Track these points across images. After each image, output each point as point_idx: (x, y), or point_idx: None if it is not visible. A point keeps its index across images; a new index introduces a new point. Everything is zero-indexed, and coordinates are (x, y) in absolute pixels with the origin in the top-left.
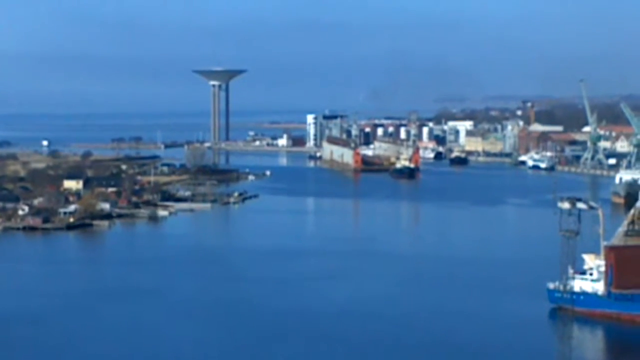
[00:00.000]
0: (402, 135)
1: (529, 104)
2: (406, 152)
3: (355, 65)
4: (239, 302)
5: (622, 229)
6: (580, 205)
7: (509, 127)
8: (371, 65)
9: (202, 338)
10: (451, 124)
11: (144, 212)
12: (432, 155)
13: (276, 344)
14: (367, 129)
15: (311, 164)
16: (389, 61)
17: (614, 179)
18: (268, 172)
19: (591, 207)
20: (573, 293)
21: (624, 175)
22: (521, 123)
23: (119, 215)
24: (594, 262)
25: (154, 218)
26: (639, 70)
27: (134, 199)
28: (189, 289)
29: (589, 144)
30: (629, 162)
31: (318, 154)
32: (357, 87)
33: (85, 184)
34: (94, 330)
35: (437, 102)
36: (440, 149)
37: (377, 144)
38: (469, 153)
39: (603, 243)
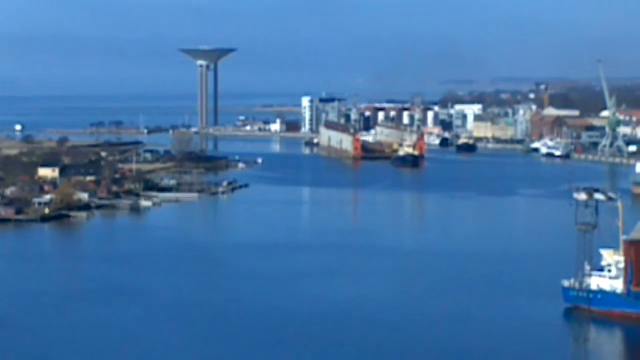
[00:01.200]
0: (405, 120)
1: (542, 87)
2: (410, 139)
3: (356, 46)
4: (227, 302)
5: None
6: (598, 196)
7: (521, 112)
8: (373, 46)
9: (188, 343)
10: (458, 108)
11: (125, 202)
12: (437, 141)
13: (267, 349)
14: (368, 114)
15: (307, 151)
16: (393, 42)
17: (634, 168)
18: (260, 160)
19: (610, 199)
20: (590, 292)
21: None
22: (534, 107)
23: (99, 207)
24: (612, 258)
25: (136, 209)
26: None
27: (115, 188)
28: (174, 288)
29: (607, 129)
30: None
31: (315, 141)
32: (357, 69)
33: (61, 173)
34: (70, 336)
35: (443, 85)
36: (447, 135)
37: (378, 129)
38: (478, 140)
39: (622, 237)
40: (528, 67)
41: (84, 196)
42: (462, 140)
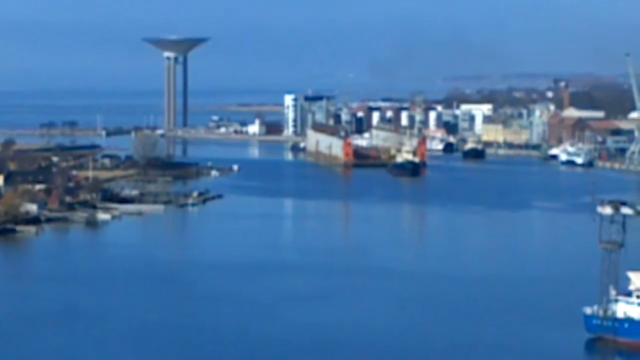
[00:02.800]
0: (404, 121)
1: (562, 84)
2: (409, 143)
3: (346, 35)
4: (197, 329)
5: None
6: (625, 210)
7: (537, 113)
8: (366, 35)
9: None
10: (464, 107)
11: (80, 215)
12: (440, 146)
13: None
14: (360, 114)
15: (291, 156)
16: (389, 29)
17: None
18: (235, 167)
19: (638, 213)
20: (615, 320)
21: None
22: (552, 107)
23: (49, 220)
24: None
25: (92, 223)
26: None
27: (68, 199)
28: (135, 312)
29: (636, 133)
30: None
31: (301, 145)
32: (348, 62)
33: (6, 180)
34: None
35: (447, 81)
36: (451, 139)
37: (373, 132)
38: (487, 144)
39: None
40: (546, 61)
41: (32, 208)
42: (469, 145)
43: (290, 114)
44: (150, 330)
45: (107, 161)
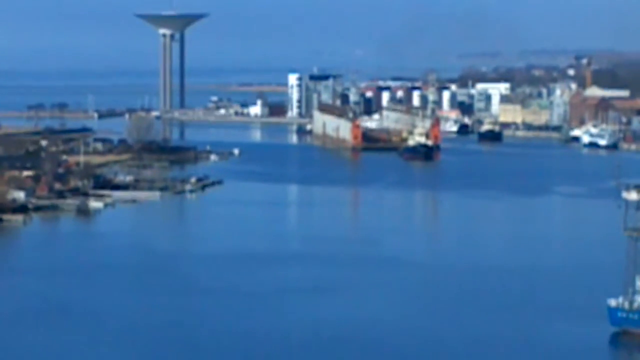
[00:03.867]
0: (416, 101)
1: (584, 61)
2: (422, 125)
3: (354, 9)
4: (196, 325)
5: None
6: None
7: (558, 92)
8: (375, 9)
9: None
10: (480, 86)
11: (70, 203)
12: (454, 128)
13: None
14: (369, 94)
15: (294, 139)
16: (400, 3)
17: None
18: (236, 151)
19: None
20: None
21: None
22: (574, 86)
23: (38, 208)
24: None
25: (84, 211)
26: None
27: (58, 186)
28: (130, 308)
29: None
30: None
31: (308, 127)
32: (355, 38)
33: None
34: None
35: (462, 58)
36: (466, 120)
37: (384, 113)
38: (505, 126)
39: None
40: (566, 37)
41: (20, 195)
42: (485, 127)
43: (294, 94)
44: (145, 328)
45: (99, 145)
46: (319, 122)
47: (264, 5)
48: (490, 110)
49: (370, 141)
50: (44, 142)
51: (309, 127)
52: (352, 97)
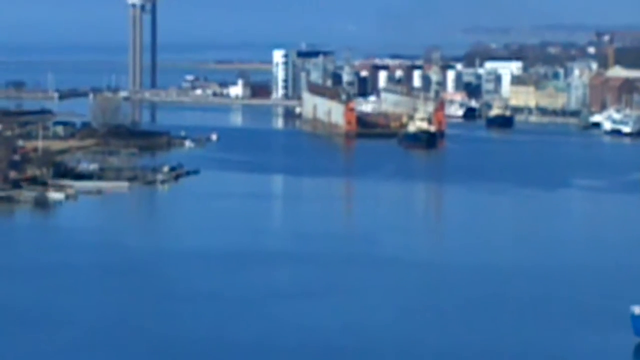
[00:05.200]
0: (416, 82)
1: (605, 38)
2: (424, 109)
3: None
4: (171, 332)
5: None
6: None
7: (576, 72)
8: None
9: None
10: (489, 65)
11: (27, 194)
12: (460, 112)
13: None
14: (364, 73)
15: (280, 124)
16: None
17: None
18: (214, 136)
19: None
20: None
21: None
22: (594, 66)
23: None
24: None
25: (42, 204)
26: None
27: (13, 174)
28: (96, 313)
29: None
30: None
31: (298, 111)
32: (348, 10)
33: None
34: None
35: (468, 33)
36: (473, 103)
37: (383, 95)
38: (516, 110)
39: None
40: (586, 11)
41: None
42: (494, 111)
43: (279, 73)
44: (113, 337)
45: (60, 129)
46: (310, 105)
47: None
48: (500, 93)
49: (365, 127)
50: None
51: (298, 110)
52: (346, 76)
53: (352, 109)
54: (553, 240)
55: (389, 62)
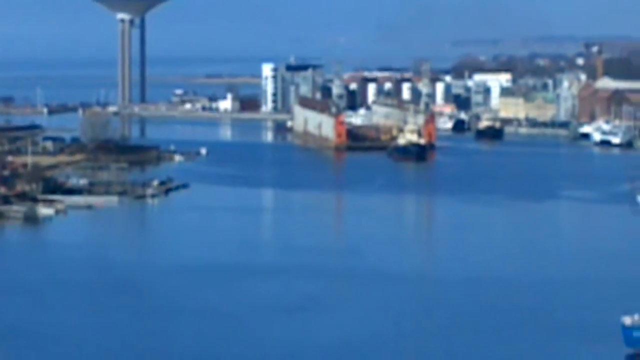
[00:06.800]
0: (406, 94)
1: (594, 49)
2: (414, 121)
3: None
4: (161, 350)
5: None
6: None
7: (565, 84)
8: None
9: None
10: (478, 78)
11: (17, 210)
12: (449, 125)
13: None
14: (353, 86)
15: (270, 138)
16: None
17: None
18: (204, 151)
19: None
20: None
21: None
22: (583, 77)
23: None
24: None
25: (32, 219)
26: None
27: (2, 190)
28: (85, 330)
29: None
30: None
31: (289, 124)
32: (338, 23)
33: None
34: None
35: (457, 46)
36: (462, 115)
37: (374, 108)
38: (506, 122)
39: None
40: (574, 22)
41: None
42: (483, 123)
43: (269, 87)
44: (103, 354)
45: (49, 144)
46: (300, 119)
47: None
48: (489, 105)
49: (355, 140)
50: None
51: (289, 123)
52: (335, 89)
53: (342, 122)
54: (543, 252)
55: (378, 74)
